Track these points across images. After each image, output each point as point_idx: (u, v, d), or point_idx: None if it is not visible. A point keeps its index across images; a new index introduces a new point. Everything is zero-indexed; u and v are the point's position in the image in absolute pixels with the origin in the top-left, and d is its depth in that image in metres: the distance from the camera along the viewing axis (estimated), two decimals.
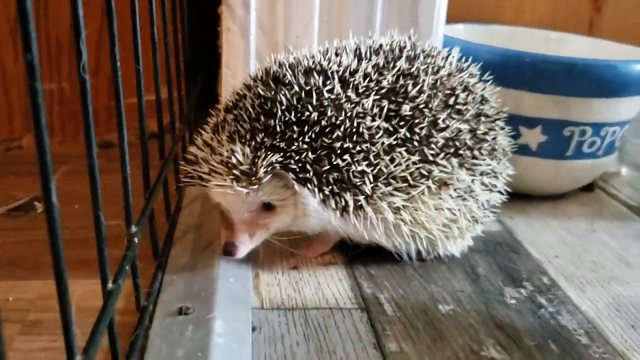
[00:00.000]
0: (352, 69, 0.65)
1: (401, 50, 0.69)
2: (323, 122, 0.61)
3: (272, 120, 0.61)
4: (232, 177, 0.59)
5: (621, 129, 0.92)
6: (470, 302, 0.67)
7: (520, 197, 0.94)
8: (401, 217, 0.65)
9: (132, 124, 0.64)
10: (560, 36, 1.08)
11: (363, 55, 0.67)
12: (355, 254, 0.73)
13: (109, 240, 0.47)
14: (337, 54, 0.67)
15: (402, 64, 0.66)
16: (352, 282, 0.69)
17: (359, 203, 0.62)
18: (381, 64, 0.66)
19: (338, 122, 0.61)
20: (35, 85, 0.32)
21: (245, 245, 0.64)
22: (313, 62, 0.65)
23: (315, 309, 0.63)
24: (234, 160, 0.59)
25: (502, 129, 0.75)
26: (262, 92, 0.63)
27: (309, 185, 0.61)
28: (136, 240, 0.54)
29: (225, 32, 0.81)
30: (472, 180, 0.69)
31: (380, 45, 0.69)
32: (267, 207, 0.64)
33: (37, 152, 0.32)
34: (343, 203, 0.62)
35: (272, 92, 0.62)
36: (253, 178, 0.59)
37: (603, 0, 1.16)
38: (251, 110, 0.62)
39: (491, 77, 0.83)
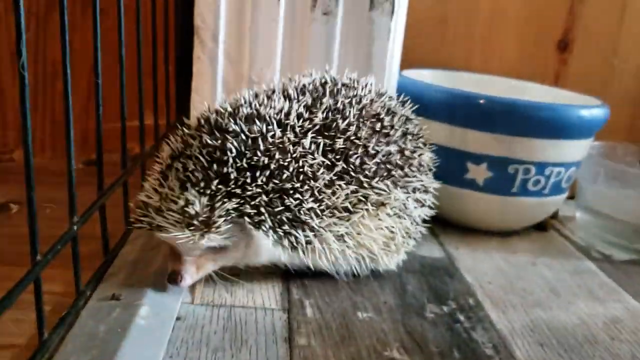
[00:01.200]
0: (285, 111, 0.69)
1: (323, 86, 0.75)
2: (272, 166, 0.64)
3: (224, 168, 0.63)
4: (190, 227, 0.61)
5: (567, 170, 0.97)
6: (389, 312, 0.71)
7: (469, 230, 1.00)
8: (346, 244, 0.71)
9: (117, 146, 0.74)
10: (522, 84, 1.15)
11: (292, 96, 0.72)
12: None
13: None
14: (268, 97, 0.71)
15: (327, 100, 0.72)
16: (284, 288, 0.75)
17: (308, 239, 0.67)
18: (309, 102, 0.71)
19: (285, 163, 0.65)
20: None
21: (191, 276, 0.66)
22: (250, 108, 0.69)
23: (241, 307, 0.69)
24: (191, 211, 0.61)
25: (425, 144, 0.81)
26: (209, 141, 0.65)
27: (263, 227, 0.65)
28: (75, 227, 0.61)
29: (195, 61, 0.90)
30: (407, 198, 0.75)
31: (304, 85, 0.74)
32: (219, 247, 0.66)
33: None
34: (294, 241, 0.67)
35: (220, 141, 0.64)
36: (211, 227, 0.62)
37: (569, 54, 1.23)
38: (201, 157, 0.64)
39: (441, 114, 0.90)
